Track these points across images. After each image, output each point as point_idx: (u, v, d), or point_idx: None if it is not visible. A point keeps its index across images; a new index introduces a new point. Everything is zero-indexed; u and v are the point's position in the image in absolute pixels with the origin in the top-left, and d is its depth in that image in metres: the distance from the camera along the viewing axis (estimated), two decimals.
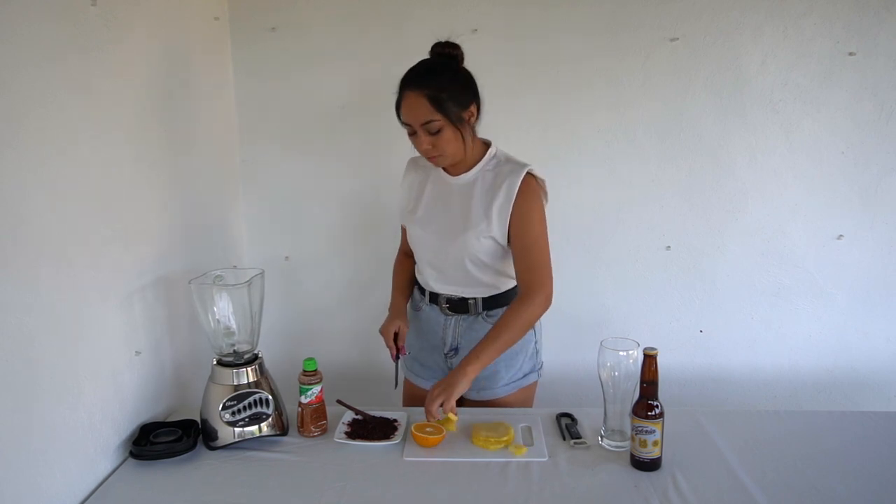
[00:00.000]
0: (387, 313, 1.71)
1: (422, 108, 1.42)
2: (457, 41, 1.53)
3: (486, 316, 1.61)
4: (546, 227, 1.55)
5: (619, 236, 2.15)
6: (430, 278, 1.64)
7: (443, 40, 1.51)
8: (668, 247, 2.15)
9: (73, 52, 1.26)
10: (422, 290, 1.69)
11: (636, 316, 2.19)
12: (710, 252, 2.15)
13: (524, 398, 1.66)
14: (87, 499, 1.27)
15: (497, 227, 1.51)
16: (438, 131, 1.44)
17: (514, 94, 2.06)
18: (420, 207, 1.62)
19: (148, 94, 1.55)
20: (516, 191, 1.49)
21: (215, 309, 1.48)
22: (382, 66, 2.08)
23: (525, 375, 1.64)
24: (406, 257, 1.76)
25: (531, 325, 1.55)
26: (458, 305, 1.62)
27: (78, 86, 1.27)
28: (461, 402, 1.68)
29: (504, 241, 1.53)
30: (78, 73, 1.27)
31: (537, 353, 1.67)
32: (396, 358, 1.66)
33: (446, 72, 1.47)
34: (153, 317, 1.55)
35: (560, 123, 2.08)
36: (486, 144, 1.58)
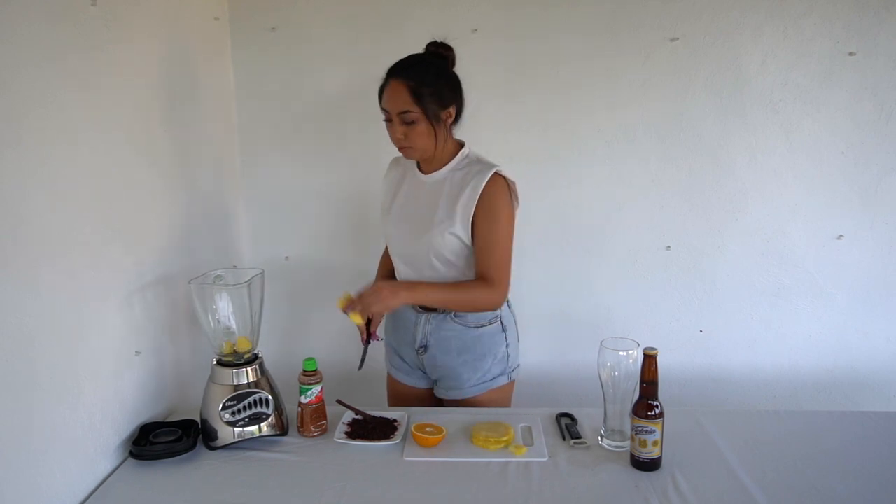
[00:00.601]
0: None
1: (401, 97, 1.46)
2: (454, 42, 1.54)
3: (455, 315, 1.61)
4: (512, 230, 1.55)
5: (619, 236, 2.15)
6: (402, 274, 1.66)
7: (439, 40, 1.54)
8: (668, 247, 2.15)
9: (73, 52, 1.26)
10: None
11: (636, 316, 2.19)
12: (710, 252, 2.15)
13: (498, 398, 1.66)
14: (87, 499, 1.27)
15: (460, 224, 1.52)
16: (412, 122, 1.47)
17: (514, 94, 2.06)
18: (394, 205, 1.64)
19: (148, 94, 1.55)
20: (481, 189, 1.50)
21: (215, 309, 1.48)
22: (382, 67, 2.06)
23: (494, 378, 1.64)
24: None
25: (473, 309, 1.59)
26: None
27: (78, 86, 1.27)
28: (440, 403, 1.70)
29: (468, 239, 1.54)
30: (78, 73, 1.27)
31: (508, 356, 1.66)
32: (366, 342, 1.63)
33: (433, 68, 1.50)
34: (153, 317, 1.55)
35: (560, 123, 2.08)
36: (460, 145, 1.59)
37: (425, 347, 1.65)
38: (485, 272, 1.53)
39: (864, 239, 2.11)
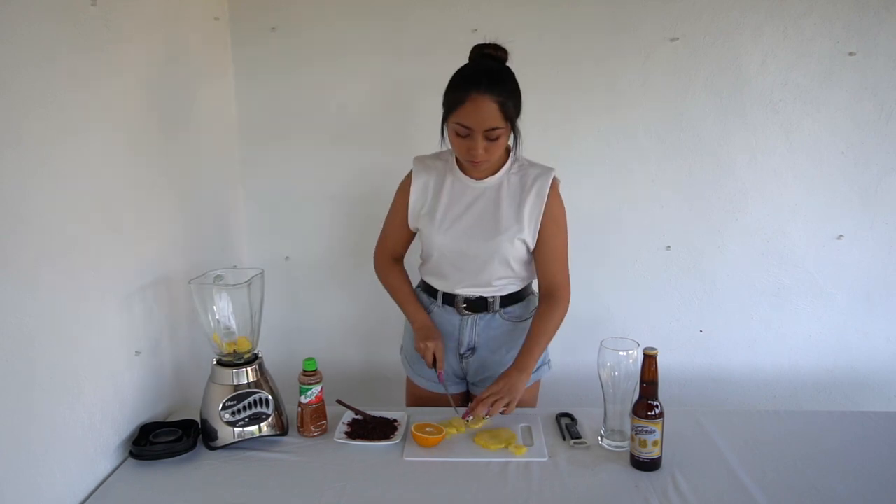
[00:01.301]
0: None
1: (492, 114, 1.39)
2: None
3: (504, 313, 1.62)
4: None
5: (619, 236, 2.15)
6: (451, 280, 1.61)
7: (490, 41, 1.49)
8: (668, 247, 2.15)
9: (73, 52, 1.26)
10: (432, 293, 1.66)
11: (636, 316, 2.19)
12: (710, 252, 2.15)
13: (536, 392, 1.68)
14: (87, 499, 1.27)
15: (528, 230, 1.52)
16: (497, 138, 1.42)
17: None
18: (439, 211, 1.57)
19: (148, 94, 1.55)
20: (547, 192, 1.51)
21: (215, 309, 1.48)
22: (382, 66, 2.08)
23: (539, 367, 1.64)
24: (395, 263, 1.71)
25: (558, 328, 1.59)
26: (477, 305, 1.61)
27: (78, 86, 1.27)
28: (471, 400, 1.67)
29: (533, 243, 1.54)
30: (78, 72, 1.27)
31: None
32: (443, 383, 1.59)
33: (510, 77, 1.46)
34: (153, 317, 1.55)
35: (560, 124, 2.08)
36: (507, 148, 1.56)
37: (473, 350, 1.64)
38: (554, 279, 1.56)
39: (864, 239, 2.11)
